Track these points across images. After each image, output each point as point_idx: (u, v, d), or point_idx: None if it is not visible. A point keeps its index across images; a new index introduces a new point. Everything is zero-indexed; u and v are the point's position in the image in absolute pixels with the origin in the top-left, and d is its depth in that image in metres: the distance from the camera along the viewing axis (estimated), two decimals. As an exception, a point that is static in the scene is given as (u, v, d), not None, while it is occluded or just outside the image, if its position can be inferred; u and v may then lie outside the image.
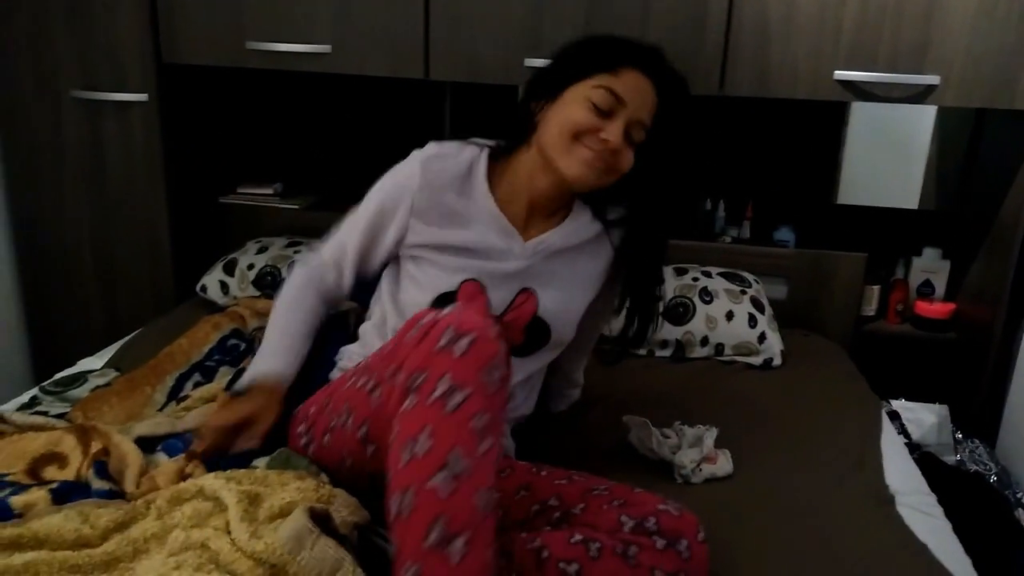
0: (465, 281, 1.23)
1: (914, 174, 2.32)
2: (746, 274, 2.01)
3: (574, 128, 1.16)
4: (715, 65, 1.80)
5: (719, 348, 1.86)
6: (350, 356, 1.33)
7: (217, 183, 2.30)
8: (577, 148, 1.17)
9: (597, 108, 1.16)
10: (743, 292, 1.91)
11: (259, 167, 2.42)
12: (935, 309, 2.08)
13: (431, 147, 1.27)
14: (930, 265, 2.12)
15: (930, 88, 1.73)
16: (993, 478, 1.79)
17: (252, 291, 1.92)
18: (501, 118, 2.19)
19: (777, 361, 1.84)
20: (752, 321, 1.85)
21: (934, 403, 1.99)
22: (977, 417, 1.97)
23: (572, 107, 1.17)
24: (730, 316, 1.85)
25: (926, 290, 2.13)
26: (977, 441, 1.91)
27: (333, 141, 2.41)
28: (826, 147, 2.21)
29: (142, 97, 2.01)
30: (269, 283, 1.91)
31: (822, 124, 2.19)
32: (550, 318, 1.27)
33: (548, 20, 1.83)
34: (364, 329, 1.35)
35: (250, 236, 2.17)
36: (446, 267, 1.23)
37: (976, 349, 1.97)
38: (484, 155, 1.28)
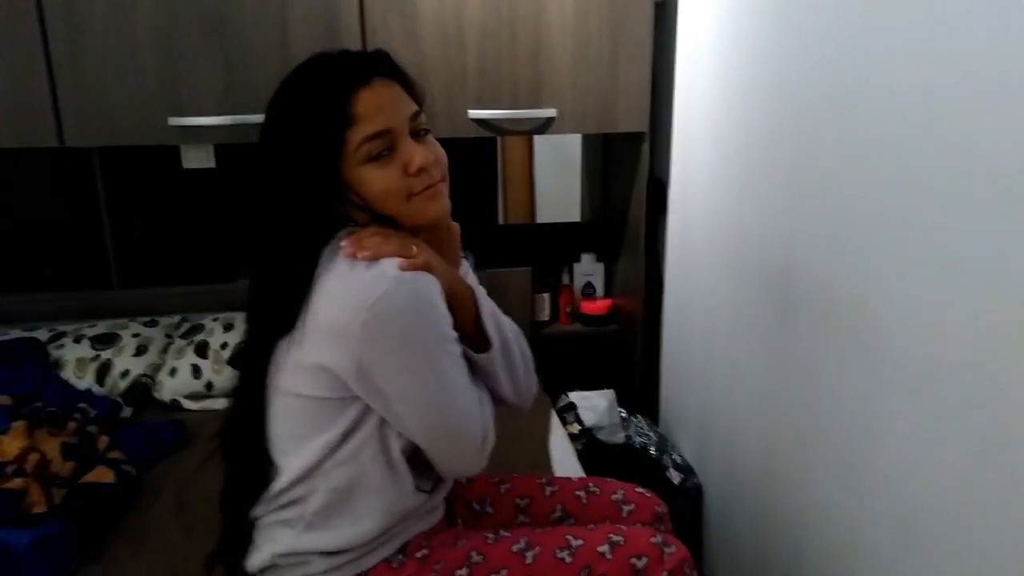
0: None
1: (575, 191, 2.63)
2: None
3: (393, 195, 1.02)
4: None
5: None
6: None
7: None
8: (413, 199, 1.03)
9: (380, 157, 1.01)
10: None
11: None
12: (596, 306, 2.36)
13: (395, 266, 0.98)
14: (588, 268, 2.40)
15: (550, 120, 1.97)
16: (652, 448, 2.07)
17: None
18: (157, 176, 2.19)
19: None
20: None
21: (605, 389, 2.27)
22: (639, 396, 2.27)
23: (368, 184, 1.01)
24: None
25: (588, 291, 2.41)
26: (640, 417, 2.20)
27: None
28: (486, 176, 2.42)
29: None
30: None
31: (480, 156, 2.39)
32: None
33: (183, 78, 1.83)
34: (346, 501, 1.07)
35: None
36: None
37: (631, 337, 2.26)
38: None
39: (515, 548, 1.14)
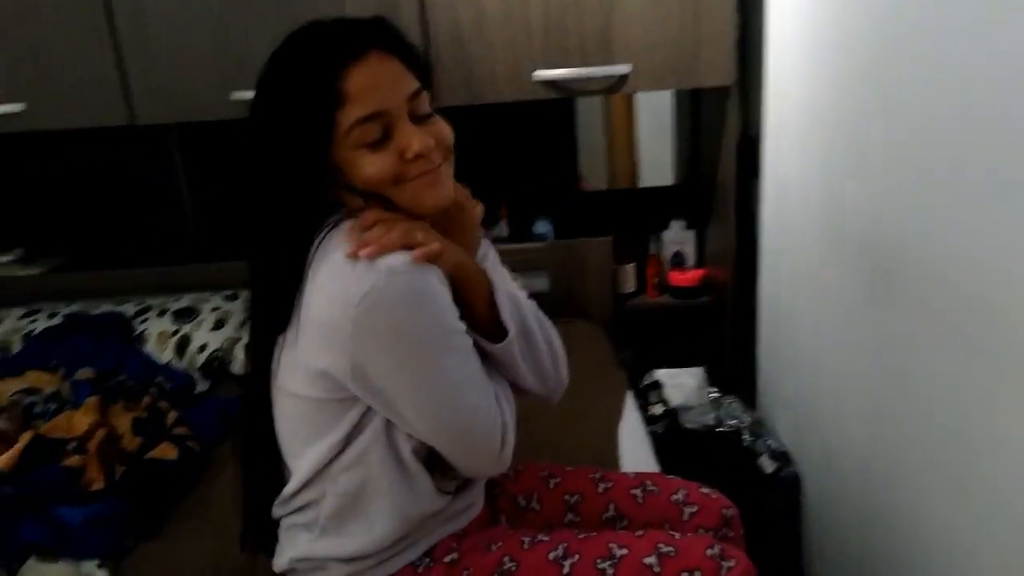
0: None
1: (666, 153, 2.43)
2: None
3: (386, 181, 0.92)
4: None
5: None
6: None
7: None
8: (407, 184, 0.93)
9: (378, 143, 0.91)
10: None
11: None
12: (687, 277, 2.18)
13: (398, 258, 0.88)
14: (677, 237, 2.22)
15: (624, 77, 1.80)
16: (745, 432, 1.90)
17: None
18: (237, 148, 2.20)
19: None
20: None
21: (695, 367, 2.11)
22: (731, 374, 2.09)
23: (359, 168, 0.91)
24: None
25: (678, 260, 2.23)
26: (732, 397, 2.02)
27: (74, 197, 2.30)
28: (564, 137, 2.27)
29: None
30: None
31: (556, 117, 2.25)
32: None
33: (242, 52, 1.80)
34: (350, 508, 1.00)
35: (-11, 309, 2.04)
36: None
37: (724, 310, 2.08)
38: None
39: (552, 556, 1.03)
